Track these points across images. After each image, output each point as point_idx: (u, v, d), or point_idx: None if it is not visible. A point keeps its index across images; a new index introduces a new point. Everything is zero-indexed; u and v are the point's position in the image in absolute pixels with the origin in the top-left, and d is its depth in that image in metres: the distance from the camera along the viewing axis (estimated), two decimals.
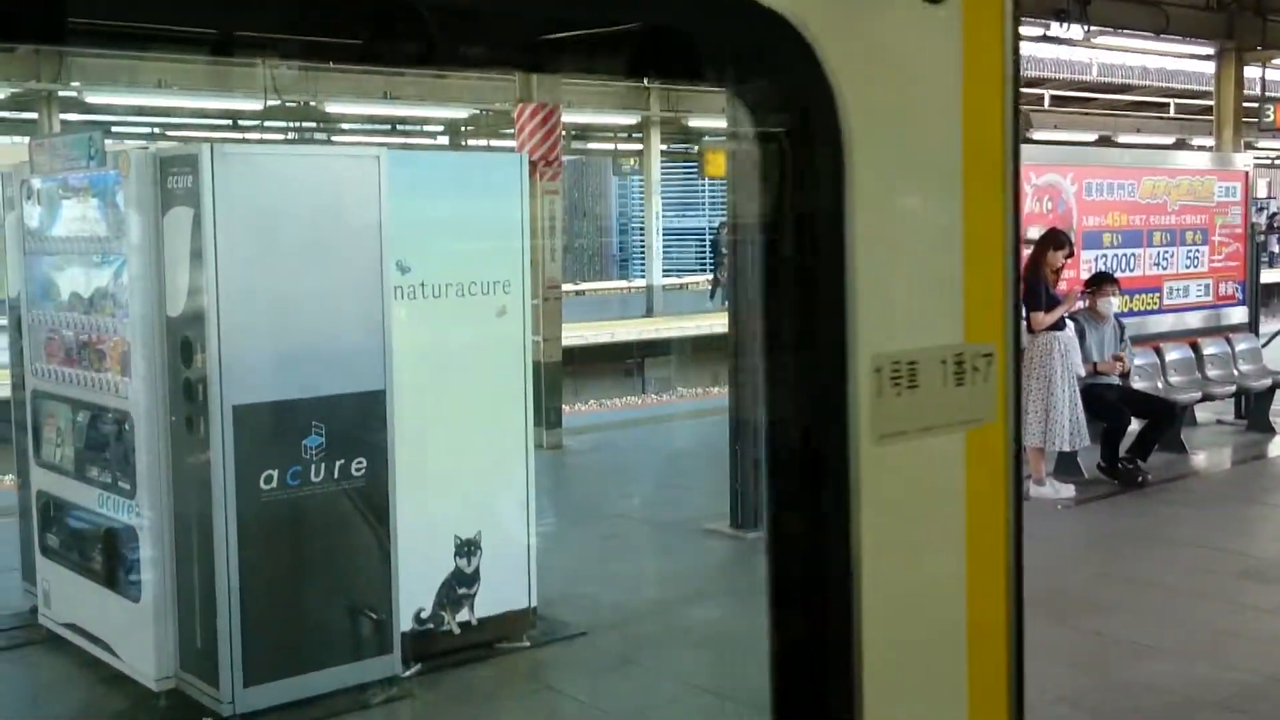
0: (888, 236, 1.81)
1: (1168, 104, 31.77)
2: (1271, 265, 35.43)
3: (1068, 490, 10.39)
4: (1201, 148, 28.74)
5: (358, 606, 6.39)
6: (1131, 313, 12.32)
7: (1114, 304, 11.20)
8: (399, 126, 29.01)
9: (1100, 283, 11.26)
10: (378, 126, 28.19)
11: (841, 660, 1.78)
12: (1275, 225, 40.59)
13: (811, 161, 1.74)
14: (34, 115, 21.52)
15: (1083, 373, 10.58)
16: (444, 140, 29.62)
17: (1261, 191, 36.37)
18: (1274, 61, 21.38)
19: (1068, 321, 10.55)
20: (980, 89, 1.92)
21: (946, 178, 1.91)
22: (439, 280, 6.69)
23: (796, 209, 1.77)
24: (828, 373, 1.75)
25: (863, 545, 1.76)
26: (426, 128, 29.62)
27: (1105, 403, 10.75)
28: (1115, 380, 11.15)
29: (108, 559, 6.47)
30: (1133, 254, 12.75)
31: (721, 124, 25.30)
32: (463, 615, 6.86)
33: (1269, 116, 20.07)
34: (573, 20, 1.65)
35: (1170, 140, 32.85)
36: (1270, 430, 13.07)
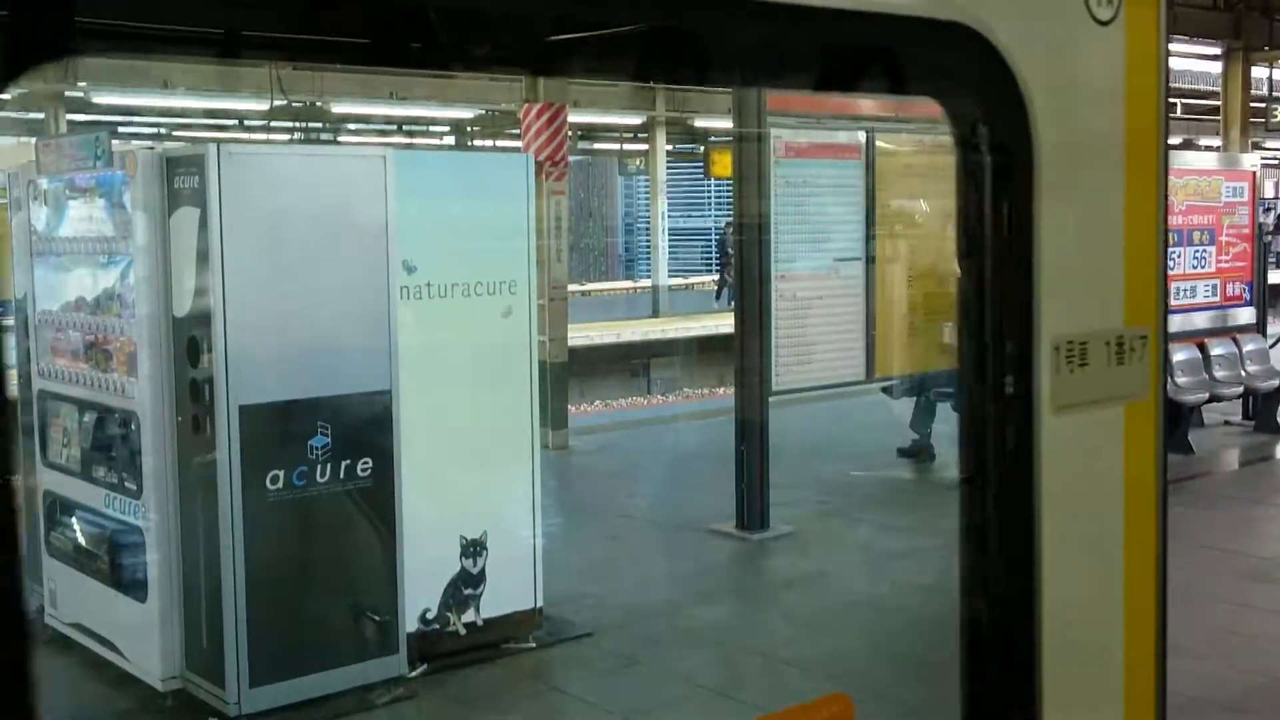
0: (1065, 231, 2.11)
1: (1175, 104, 31.73)
2: (1279, 265, 35.34)
3: None
4: (1208, 148, 28.67)
5: (361, 608, 6.39)
6: None
7: None
8: (405, 127, 29.01)
9: None
10: (384, 127, 28.19)
11: (1024, 602, 2.08)
12: None
13: (1008, 165, 2.04)
14: (41, 115, 21.56)
15: None
16: (450, 140, 29.61)
17: (1269, 191, 36.26)
18: None
19: None
20: (1138, 96, 2.22)
21: (1111, 178, 2.20)
22: (445, 280, 6.69)
23: (995, 208, 2.07)
24: (1018, 351, 2.06)
25: (1043, 501, 2.08)
26: (433, 128, 29.62)
27: None
28: None
29: (114, 559, 6.48)
30: None
31: (727, 124, 25.28)
32: (468, 616, 6.85)
33: (1276, 116, 20.04)
34: (811, 43, 1.92)
35: (1177, 140, 32.80)
36: (1277, 431, 13.03)
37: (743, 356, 9.67)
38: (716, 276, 32.97)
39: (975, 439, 2.14)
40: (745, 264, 9.65)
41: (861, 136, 10.14)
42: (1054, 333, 2.09)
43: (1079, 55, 2.15)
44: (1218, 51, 20.24)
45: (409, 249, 6.46)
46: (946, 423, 11.67)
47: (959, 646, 2.20)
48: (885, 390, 11.90)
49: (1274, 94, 21.13)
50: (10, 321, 7.57)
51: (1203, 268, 13.35)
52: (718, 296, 31.05)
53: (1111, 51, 2.17)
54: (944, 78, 2.07)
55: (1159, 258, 2.28)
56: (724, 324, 20.11)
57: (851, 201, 10.02)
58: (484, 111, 25.39)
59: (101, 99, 21.63)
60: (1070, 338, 2.11)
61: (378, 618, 6.35)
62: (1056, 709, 2.12)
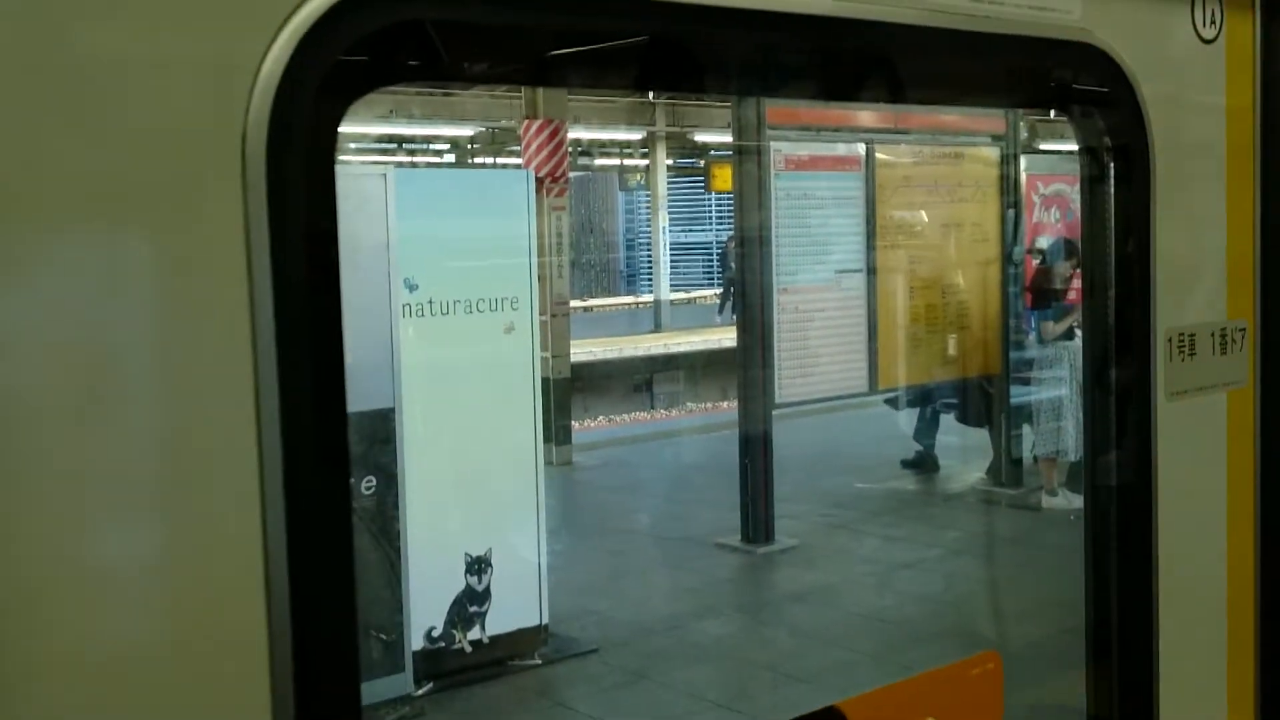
0: (1176, 232, 2.31)
1: None
2: None
3: (1079, 500, 10.32)
4: None
5: (367, 627, 6.37)
6: None
7: None
8: (405, 145, 29.05)
9: None
10: (384, 145, 28.23)
11: (1142, 576, 2.30)
12: None
13: (1128, 172, 2.24)
14: None
15: None
16: (450, 158, 29.65)
17: None
18: None
19: (1077, 331, 10.52)
20: (1237, 108, 2.45)
21: (1215, 184, 2.43)
22: (447, 297, 6.69)
23: (1118, 211, 2.26)
24: (1138, 343, 2.27)
25: (1159, 478, 2.29)
26: (433, 146, 29.66)
27: None
28: None
29: None
30: None
31: (727, 139, 25.31)
32: (474, 633, 6.84)
33: None
34: (956, 62, 2.14)
35: None
36: None
37: (746, 370, 9.66)
38: (719, 291, 32.98)
39: (1098, 425, 2.36)
40: (747, 277, 9.65)
41: (861, 149, 10.15)
42: (1167, 325, 2.30)
43: (1187, 71, 2.38)
44: None
45: (410, 266, 6.46)
46: (950, 434, 11.66)
47: (1084, 606, 2.44)
48: (889, 402, 11.89)
49: None
50: None
51: None
52: (720, 311, 31.04)
53: (1214, 68, 2.41)
54: (1075, 93, 2.28)
55: (1256, 256, 2.48)
56: (726, 338, 20.11)
57: (852, 213, 10.03)
58: (484, 129, 25.43)
59: None
60: (1181, 330, 2.33)
61: (384, 636, 6.33)
62: (1170, 661, 2.35)
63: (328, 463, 1.41)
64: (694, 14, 1.70)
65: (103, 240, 1.27)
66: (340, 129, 1.43)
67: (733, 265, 29.90)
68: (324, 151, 1.42)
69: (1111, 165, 2.26)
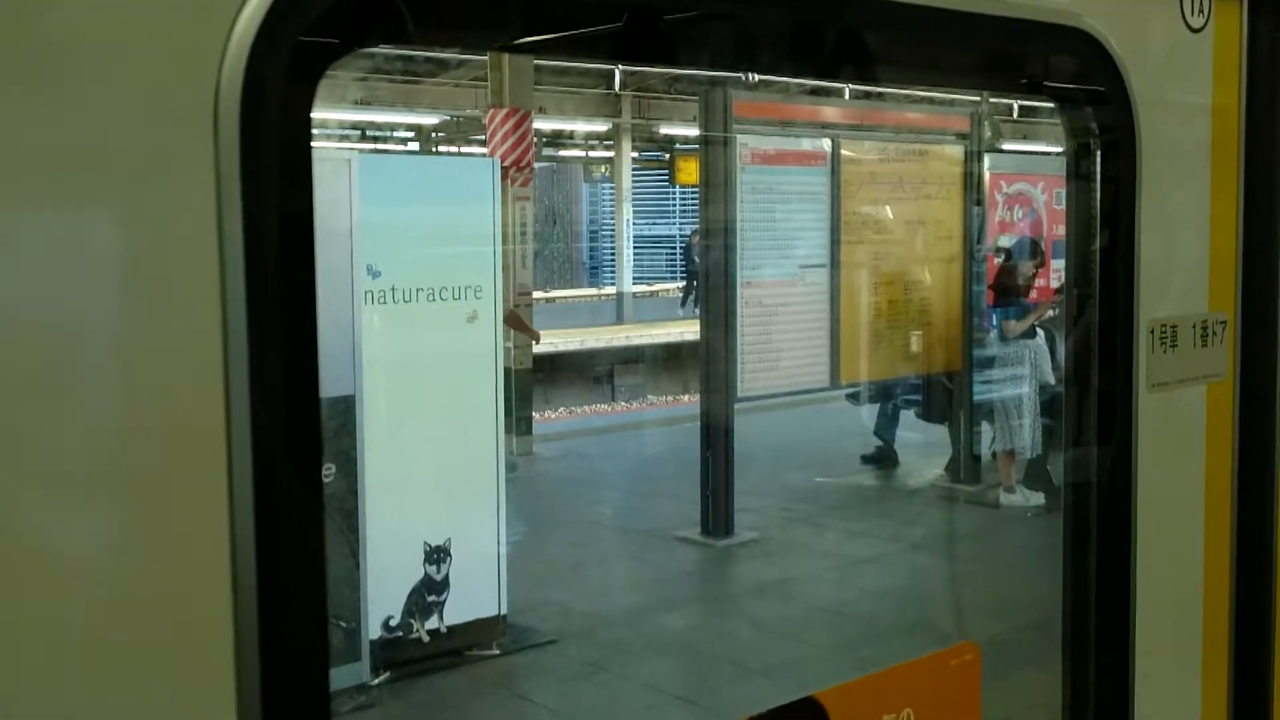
0: (1161, 223, 2.31)
1: None
2: None
3: (1038, 498, 10.41)
4: None
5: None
6: None
7: None
8: (368, 132, 28.88)
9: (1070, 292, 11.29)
10: (347, 132, 28.05)
11: (1120, 562, 2.30)
12: None
13: (1115, 161, 2.23)
14: None
15: (1052, 380, 10.61)
16: (414, 146, 29.49)
17: None
18: None
19: (1039, 330, 10.58)
20: (1223, 99, 2.44)
21: (1199, 175, 2.42)
22: (410, 285, 6.64)
23: (1104, 201, 2.26)
24: (1122, 333, 2.27)
25: (1139, 468, 2.29)
26: (396, 133, 29.50)
27: None
28: None
29: None
30: None
31: (693, 132, 25.30)
32: (432, 623, 6.80)
33: None
34: (949, 44, 2.11)
35: None
36: None
37: (708, 363, 9.66)
38: (682, 283, 33.00)
39: (1080, 414, 2.36)
40: (711, 270, 9.64)
41: (827, 144, 10.16)
42: (1150, 316, 2.31)
43: (1174, 59, 2.38)
44: None
45: (373, 253, 6.41)
46: (910, 430, 11.71)
47: (1062, 587, 2.42)
48: (850, 397, 11.93)
49: None
50: None
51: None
52: (683, 304, 31.06)
53: (1201, 57, 2.40)
54: (1063, 78, 2.29)
55: (1239, 249, 2.49)
56: (688, 331, 20.12)
57: (817, 208, 10.04)
58: (449, 117, 25.31)
59: None
60: (1163, 322, 2.34)
61: (343, 624, 6.29)
62: (1146, 651, 2.36)
63: (298, 448, 1.38)
64: None
65: (69, 220, 1.24)
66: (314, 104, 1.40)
67: (696, 259, 29.95)
68: (299, 124, 1.39)
69: (1099, 155, 2.27)
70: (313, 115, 1.41)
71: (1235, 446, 2.53)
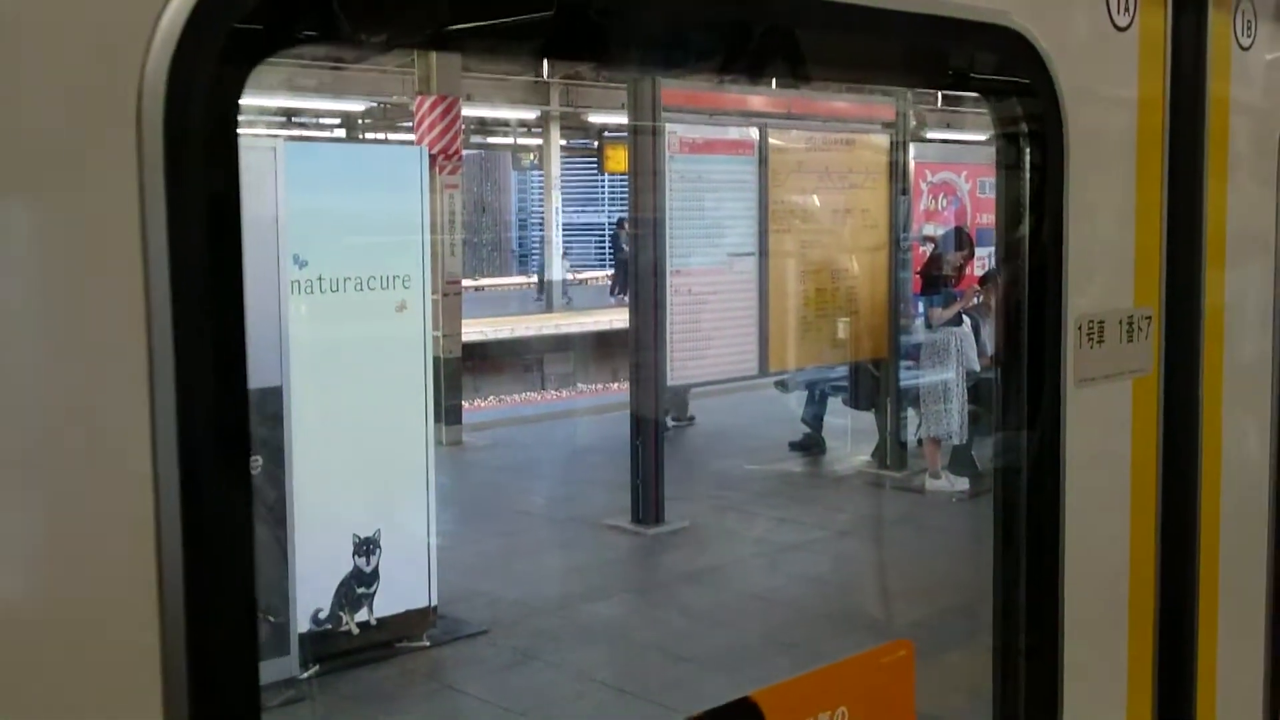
0: (1088, 219, 2.33)
1: None
2: None
3: (962, 483, 10.56)
4: None
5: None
6: None
7: None
8: (294, 119, 28.54)
9: (994, 279, 11.45)
10: (272, 118, 27.69)
11: (1049, 555, 2.32)
12: None
13: (1044, 157, 2.24)
14: None
15: (977, 368, 10.76)
16: (340, 133, 29.20)
17: None
18: None
19: (964, 318, 10.72)
20: (1148, 96, 2.46)
21: (1125, 171, 2.43)
22: (337, 274, 6.59)
23: (1033, 197, 2.27)
24: (1050, 329, 2.28)
25: (1067, 462, 2.31)
26: (323, 120, 29.18)
27: None
28: None
29: None
30: None
31: (622, 120, 25.29)
32: (361, 615, 6.76)
33: None
34: (878, 42, 2.11)
35: None
36: None
37: (638, 351, 9.67)
38: (611, 272, 33.00)
39: (1009, 409, 2.36)
40: (640, 259, 9.65)
41: (755, 133, 10.21)
42: (1078, 312, 2.31)
43: (1100, 57, 2.38)
44: None
45: (300, 242, 6.34)
46: (838, 416, 11.82)
47: (993, 580, 2.43)
48: (779, 385, 12.01)
49: None
50: None
51: None
52: (612, 292, 31.08)
53: (1126, 55, 2.41)
54: (992, 76, 2.29)
55: (1163, 243, 2.51)
56: (617, 319, 20.12)
57: (745, 197, 10.09)
58: (376, 104, 25.08)
59: None
60: (1090, 317, 2.35)
61: (271, 618, 6.23)
62: (1073, 640, 2.39)
63: (226, 441, 1.36)
64: None
65: None
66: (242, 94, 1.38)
67: (625, 247, 29.98)
68: (226, 117, 1.36)
69: (1028, 152, 2.27)
70: (240, 107, 1.38)
71: (1160, 440, 2.55)
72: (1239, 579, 2.82)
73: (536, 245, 33.70)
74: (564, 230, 30.45)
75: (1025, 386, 2.33)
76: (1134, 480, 2.52)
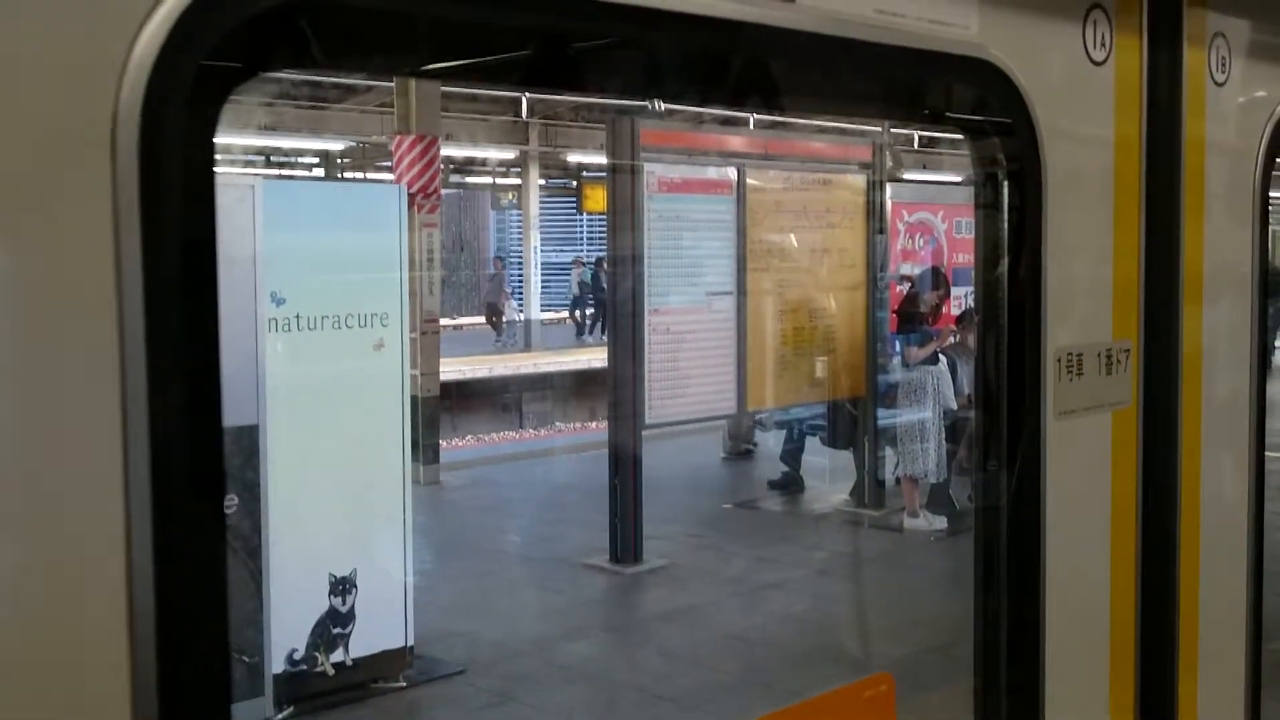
0: (1066, 252, 2.35)
1: None
2: None
3: (940, 522, 10.57)
4: None
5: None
6: None
7: None
8: (273, 158, 28.55)
9: (971, 319, 11.50)
10: (251, 158, 27.70)
11: (1030, 588, 2.33)
12: None
13: (1022, 191, 2.27)
14: None
15: (954, 406, 10.79)
16: (319, 172, 29.21)
17: None
18: None
19: (941, 357, 10.76)
20: (1124, 130, 2.47)
21: (1103, 205, 2.45)
22: (315, 312, 6.57)
23: (1011, 230, 2.28)
24: (1030, 361, 2.30)
25: (1047, 495, 2.32)
26: (301, 159, 29.21)
27: None
28: None
29: None
30: None
31: (600, 160, 25.39)
32: (337, 655, 6.71)
33: None
34: (861, 73, 2.14)
35: None
36: None
37: (616, 389, 9.67)
38: (590, 311, 33.03)
39: (990, 443, 2.37)
40: (619, 298, 9.67)
41: (733, 173, 10.26)
42: (1057, 345, 2.33)
43: (1078, 92, 2.40)
44: None
45: (277, 280, 6.33)
46: (818, 455, 11.83)
47: (974, 615, 2.43)
48: (756, 424, 12.02)
49: None
50: None
51: None
52: (590, 330, 31.09)
53: (1103, 90, 2.43)
54: (969, 109, 2.31)
55: (1141, 277, 2.52)
56: (595, 358, 20.12)
57: (724, 236, 10.12)
58: (354, 143, 25.13)
59: None
60: (1069, 350, 2.36)
61: (245, 658, 6.17)
62: (1055, 675, 2.38)
63: (200, 481, 1.34)
64: (579, 10, 1.66)
65: None
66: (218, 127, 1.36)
67: (604, 286, 30.00)
68: (202, 149, 1.35)
69: (1006, 185, 2.29)
70: (216, 140, 1.37)
71: (1140, 473, 2.56)
72: (1219, 612, 2.82)
73: (515, 284, 33.69)
74: (542, 269, 30.48)
75: (1005, 418, 2.33)
76: (1114, 511, 2.52)
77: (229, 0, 1.34)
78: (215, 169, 1.36)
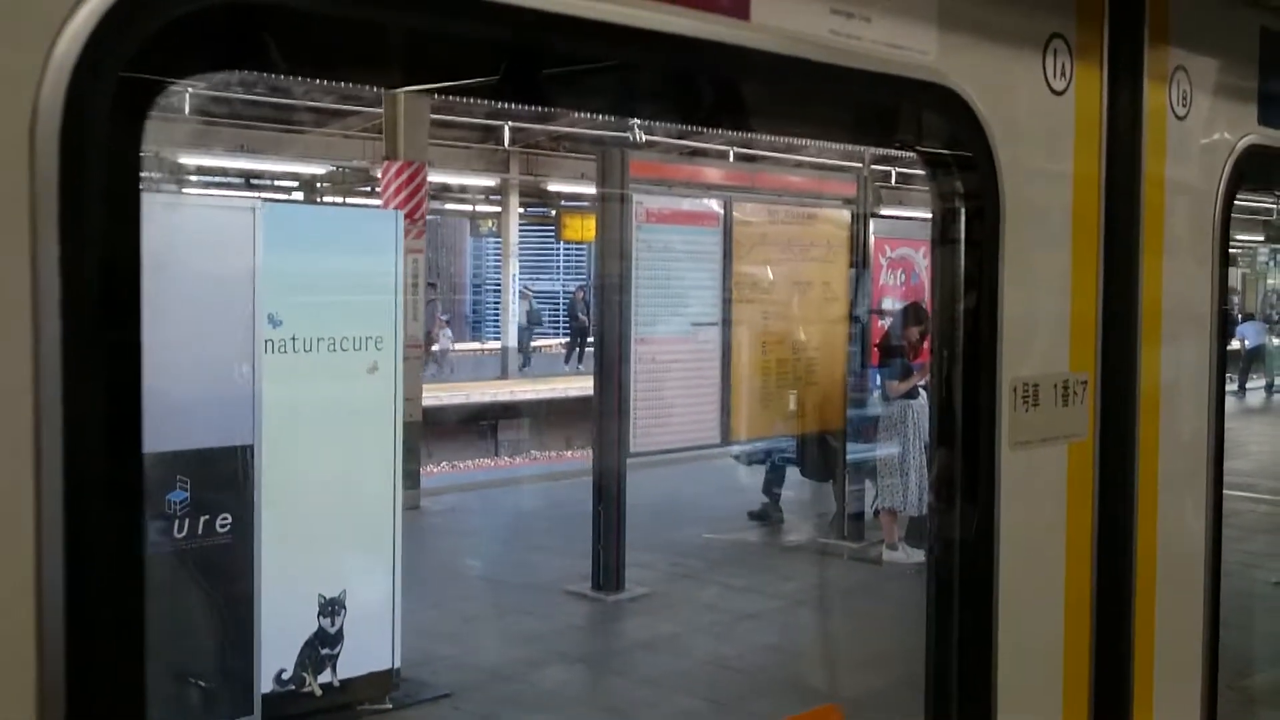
0: (1023, 281, 2.32)
1: None
2: None
3: (918, 555, 10.63)
4: None
5: (216, 671, 6.21)
6: None
7: None
8: (252, 181, 28.50)
9: None
10: (230, 180, 27.65)
11: (982, 620, 2.30)
12: None
13: (979, 219, 2.24)
14: None
15: None
16: (298, 196, 29.17)
17: None
18: None
19: (921, 391, 10.86)
20: (1084, 161, 2.45)
21: (1060, 235, 2.42)
22: (311, 334, 6.62)
23: (968, 258, 2.25)
24: (985, 391, 2.27)
25: (1001, 526, 2.29)
26: (279, 183, 29.17)
27: None
28: None
29: None
30: None
31: (580, 189, 25.49)
32: (325, 676, 6.72)
33: None
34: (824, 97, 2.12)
35: None
36: None
37: (601, 418, 9.72)
38: (565, 340, 33.06)
39: (943, 472, 2.32)
40: (605, 326, 9.74)
41: (719, 205, 10.37)
42: (1012, 375, 2.29)
43: (1037, 121, 2.36)
44: None
45: (275, 302, 6.38)
46: (802, 487, 11.91)
47: (925, 648, 2.41)
48: (735, 456, 12.09)
49: None
50: None
51: None
52: (566, 360, 31.12)
53: (1063, 120, 2.40)
54: (927, 133, 2.28)
55: (1099, 309, 2.49)
56: (572, 387, 20.16)
57: (709, 267, 10.22)
58: (335, 168, 25.14)
59: None
60: (1025, 380, 2.33)
61: (201, 684, 6.11)
62: (1007, 708, 2.35)
63: (117, 504, 1.30)
64: (539, 23, 1.61)
65: None
66: (144, 139, 1.29)
67: (580, 315, 29.96)
68: (127, 156, 1.27)
69: (963, 212, 2.27)
70: (143, 147, 1.30)
71: (1095, 506, 2.53)
72: (1174, 646, 2.79)
73: (492, 311, 33.69)
74: (520, 297, 30.52)
75: (961, 449, 2.29)
76: (1069, 544, 2.49)
77: (154, 1, 1.26)
78: (141, 174, 1.29)
